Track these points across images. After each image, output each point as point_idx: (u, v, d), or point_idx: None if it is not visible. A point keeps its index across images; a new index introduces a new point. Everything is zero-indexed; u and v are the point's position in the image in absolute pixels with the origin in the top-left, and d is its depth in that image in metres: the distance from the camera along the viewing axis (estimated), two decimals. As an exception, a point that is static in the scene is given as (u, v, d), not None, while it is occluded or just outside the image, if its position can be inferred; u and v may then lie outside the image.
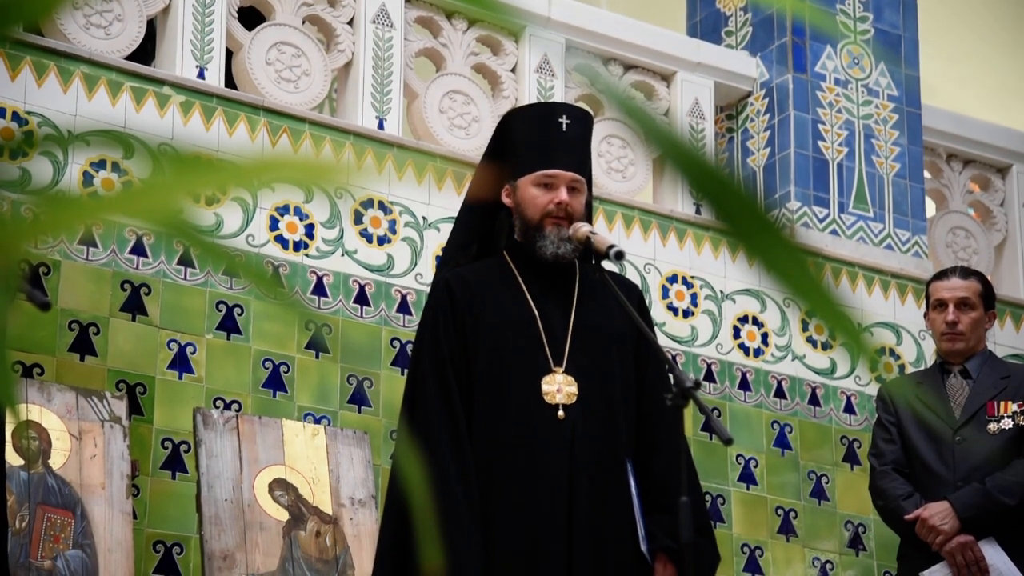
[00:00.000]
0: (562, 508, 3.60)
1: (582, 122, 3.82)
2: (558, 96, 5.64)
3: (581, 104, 5.65)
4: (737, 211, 0.98)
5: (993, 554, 4.71)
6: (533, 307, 3.74)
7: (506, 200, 3.78)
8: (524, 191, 3.74)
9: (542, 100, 5.57)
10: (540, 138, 3.76)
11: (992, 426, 4.87)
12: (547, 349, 3.70)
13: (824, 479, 5.71)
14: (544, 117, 3.82)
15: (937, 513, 4.73)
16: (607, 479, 3.66)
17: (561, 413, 3.65)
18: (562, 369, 3.69)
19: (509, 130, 3.83)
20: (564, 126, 3.76)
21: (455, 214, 5.24)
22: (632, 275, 5.55)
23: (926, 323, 5.08)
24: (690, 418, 5.31)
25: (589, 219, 3.87)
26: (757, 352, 5.73)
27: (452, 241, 3.90)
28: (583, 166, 3.79)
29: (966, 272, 5.03)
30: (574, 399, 3.67)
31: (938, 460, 4.85)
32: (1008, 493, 4.74)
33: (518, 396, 3.65)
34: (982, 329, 4.98)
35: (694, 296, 5.69)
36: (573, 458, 3.63)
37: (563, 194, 3.71)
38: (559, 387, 3.67)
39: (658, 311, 5.60)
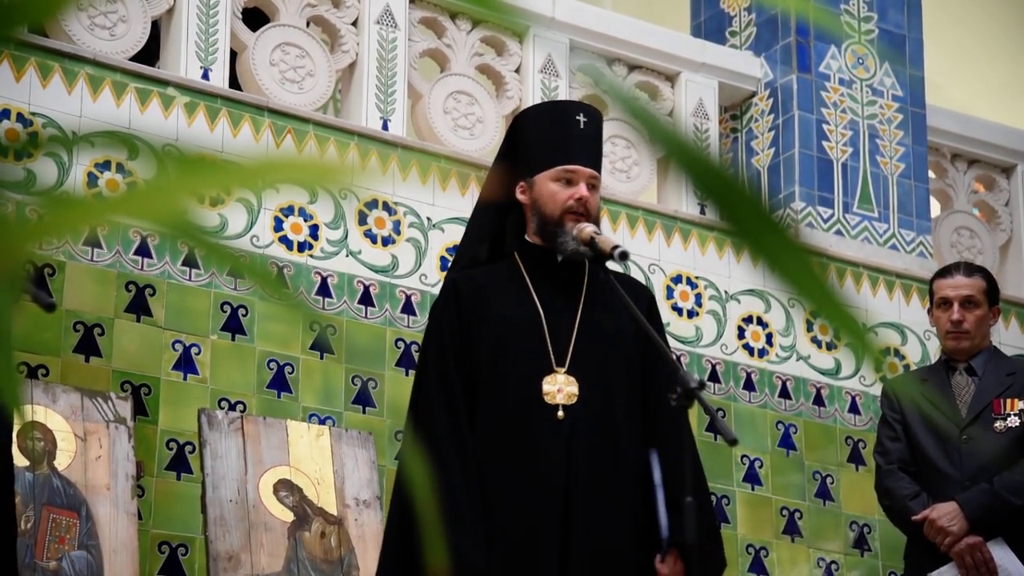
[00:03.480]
0: (558, 507, 3.60)
1: (597, 121, 3.85)
2: (563, 97, 5.64)
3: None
4: (741, 211, 0.98)
5: (1002, 555, 4.71)
6: (539, 307, 3.74)
7: (521, 197, 3.78)
8: (542, 187, 3.74)
9: (547, 100, 5.57)
10: (558, 135, 3.77)
11: (999, 424, 4.85)
12: (550, 349, 3.70)
13: (829, 479, 5.70)
14: (561, 115, 3.84)
15: (945, 514, 4.72)
16: (606, 479, 3.66)
17: (561, 413, 3.65)
18: (564, 369, 3.69)
19: (523, 128, 3.84)
20: (582, 124, 3.78)
21: (459, 215, 5.25)
22: (636, 276, 5.54)
23: (930, 320, 5.07)
24: (695, 419, 5.29)
25: (597, 221, 3.88)
26: (762, 352, 5.73)
27: (465, 241, 3.92)
28: (598, 164, 3.81)
29: (970, 269, 5.01)
30: (575, 399, 3.66)
31: (945, 459, 4.84)
32: (1016, 493, 4.73)
33: (518, 395, 3.66)
34: (987, 326, 4.97)
35: (698, 296, 5.69)
36: (571, 458, 3.63)
37: (583, 189, 3.72)
38: (560, 387, 3.67)
39: (662, 311, 5.59)
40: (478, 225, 3.88)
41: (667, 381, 3.78)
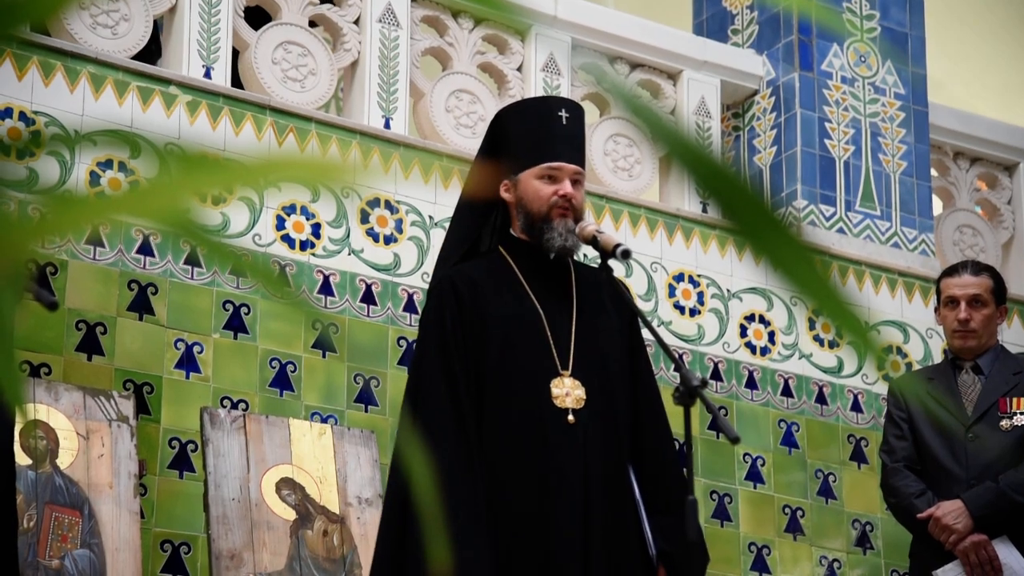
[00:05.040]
0: (579, 513, 3.58)
1: (579, 117, 3.84)
2: (564, 95, 5.64)
3: (584, 102, 5.65)
4: (744, 209, 0.98)
5: (1007, 553, 4.71)
6: (538, 307, 3.73)
7: (505, 195, 3.77)
8: (527, 184, 3.73)
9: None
10: (541, 132, 3.76)
11: (1004, 423, 4.85)
12: (554, 351, 3.69)
13: (831, 478, 5.70)
14: (543, 111, 3.82)
15: (950, 512, 4.72)
16: (616, 483, 3.65)
17: (571, 418, 3.63)
18: (569, 372, 3.68)
19: (505, 126, 3.83)
20: (564, 120, 3.77)
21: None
22: (639, 274, 5.55)
23: (936, 318, 5.06)
24: (697, 417, 5.30)
25: (581, 215, 3.87)
26: (764, 351, 5.73)
27: (450, 239, 3.89)
28: (582, 160, 3.81)
29: (977, 268, 5.01)
30: (582, 403, 3.65)
31: (950, 457, 4.84)
32: (1021, 491, 4.73)
33: (528, 400, 3.63)
34: (994, 325, 4.97)
35: (700, 295, 5.69)
36: (586, 463, 3.61)
37: (568, 186, 3.71)
38: (567, 391, 3.65)
39: (665, 310, 5.60)
40: (463, 223, 3.86)
41: (648, 376, 3.79)
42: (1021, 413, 4.86)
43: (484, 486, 3.54)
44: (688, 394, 3.33)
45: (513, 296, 3.72)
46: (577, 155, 3.78)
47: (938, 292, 5.02)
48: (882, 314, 5.94)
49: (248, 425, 4.55)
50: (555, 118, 3.77)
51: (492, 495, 3.56)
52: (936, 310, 5.04)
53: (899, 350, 5.94)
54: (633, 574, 3.62)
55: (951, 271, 5.02)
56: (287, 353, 4.95)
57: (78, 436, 4.36)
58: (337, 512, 4.56)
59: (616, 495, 3.64)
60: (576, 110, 3.84)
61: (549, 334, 3.69)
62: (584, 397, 3.65)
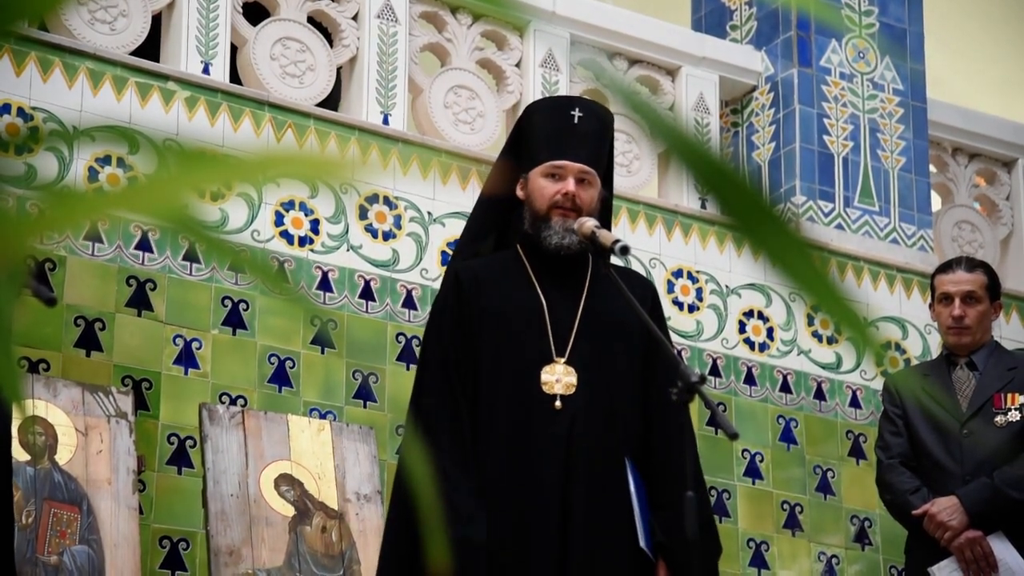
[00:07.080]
0: (556, 499, 3.60)
1: (597, 117, 3.82)
2: (563, 91, 5.64)
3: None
4: (742, 205, 0.98)
5: (1002, 549, 4.71)
6: (541, 296, 3.75)
7: (519, 193, 3.81)
8: (534, 182, 3.77)
9: (547, 95, 5.56)
10: (551, 130, 3.78)
11: (999, 418, 4.85)
12: (551, 338, 3.70)
13: (830, 473, 5.71)
14: (556, 109, 3.84)
15: (945, 508, 4.72)
16: (606, 471, 3.66)
17: (558, 404, 3.65)
18: (564, 359, 3.69)
19: (524, 124, 3.87)
20: (576, 118, 3.77)
21: (460, 209, 5.25)
22: (637, 270, 5.55)
23: (931, 315, 5.06)
24: (696, 413, 5.29)
25: (608, 218, 3.88)
26: (763, 347, 5.73)
27: (466, 232, 3.94)
28: (595, 159, 3.79)
29: (971, 264, 5.00)
30: (573, 390, 3.66)
31: (945, 453, 4.84)
32: (1016, 487, 4.73)
33: (517, 385, 3.66)
34: (988, 321, 4.97)
35: (699, 291, 5.69)
36: (570, 449, 3.63)
37: (570, 184, 3.72)
38: (558, 377, 3.67)
39: (663, 306, 5.59)
40: (480, 219, 3.89)
41: (666, 376, 3.78)
42: (1016, 409, 4.85)
43: (476, 474, 3.58)
44: (687, 390, 3.33)
45: (516, 287, 3.76)
46: (586, 153, 3.77)
47: (932, 288, 5.02)
48: (881, 310, 5.94)
49: (247, 421, 4.55)
50: (566, 116, 3.78)
51: (481, 479, 3.60)
52: (930, 306, 5.04)
53: (898, 346, 5.95)
54: (618, 564, 3.62)
55: (945, 267, 5.01)
56: (286, 349, 4.95)
57: (77, 432, 4.36)
58: (336, 508, 4.56)
59: (606, 485, 3.64)
60: (595, 111, 3.83)
61: (548, 321, 3.72)
62: (575, 384, 3.66)
